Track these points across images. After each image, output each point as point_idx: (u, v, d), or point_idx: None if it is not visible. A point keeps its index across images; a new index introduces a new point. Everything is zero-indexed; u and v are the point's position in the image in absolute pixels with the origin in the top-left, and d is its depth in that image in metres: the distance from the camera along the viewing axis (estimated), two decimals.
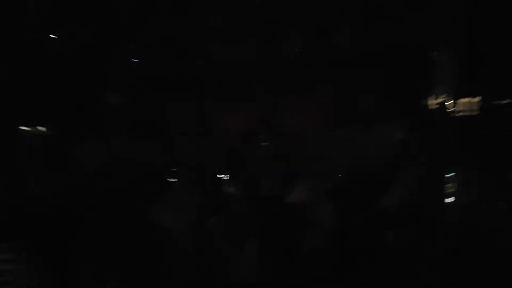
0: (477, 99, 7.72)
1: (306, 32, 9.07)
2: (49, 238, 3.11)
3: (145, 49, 9.66)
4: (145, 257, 2.24)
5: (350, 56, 9.08)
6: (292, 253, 2.93)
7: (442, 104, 8.19)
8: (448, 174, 4.05)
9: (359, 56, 9.01)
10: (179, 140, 9.23)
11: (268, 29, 9.18)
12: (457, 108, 7.90)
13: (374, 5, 8.21)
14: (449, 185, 3.65)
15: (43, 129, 8.09)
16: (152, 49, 9.61)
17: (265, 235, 2.77)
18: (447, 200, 3.25)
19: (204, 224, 3.04)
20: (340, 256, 2.56)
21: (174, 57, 9.75)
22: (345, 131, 8.33)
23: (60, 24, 8.74)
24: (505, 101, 7.65)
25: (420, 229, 2.63)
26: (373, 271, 2.36)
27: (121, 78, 9.33)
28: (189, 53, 9.74)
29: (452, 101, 8.07)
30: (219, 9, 8.91)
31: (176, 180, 5.17)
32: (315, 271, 2.75)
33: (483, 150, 6.85)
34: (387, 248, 2.42)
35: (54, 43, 8.72)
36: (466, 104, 8.01)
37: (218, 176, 6.29)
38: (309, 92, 9.23)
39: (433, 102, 8.58)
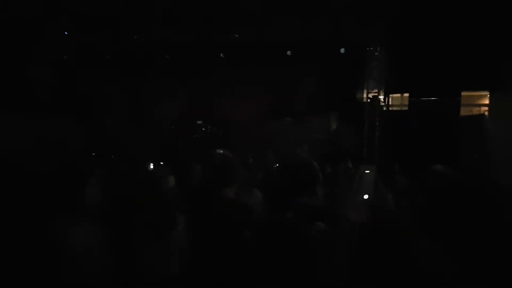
0: (406, 95, 8.05)
1: (245, 24, 9.00)
2: None
3: (78, 23, 9.06)
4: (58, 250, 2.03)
5: (286, 50, 9.17)
6: (222, 245, 2.82)
7: (373, 98, 8.46)
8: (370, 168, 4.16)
9: (295, 50, 9.10)
10: (111, 124, 8.80)
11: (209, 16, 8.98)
12: (388, 103, 8.21)
13: (312, 3, 8.29)
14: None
15: None
16: (86, 24, 9.03)
17: (194, 226, 2.65)
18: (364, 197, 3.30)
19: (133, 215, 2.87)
20: (270, 248, 2.50)
21: (110, 35, 9.26)
22: (279, 122, 8.37)
23: None
24: (432, 98, 8.04)
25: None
26: (302, 265, 2.32)
27: (48, 51, 8.62)
28: (126, 33, 9.30)
29: (383, 96, 8.36)
30: None
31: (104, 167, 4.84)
32: (244, 264, 2.65)
33: (409, 144, 7.14)
34: (313, 242, 2.40)
35: None
36: (397, 99, 8.34)
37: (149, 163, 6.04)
38: (246, 83, 9.21)
39: (364, 96, 8.85)
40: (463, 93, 8.14)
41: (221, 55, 9.63)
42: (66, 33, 9.24)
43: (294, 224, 2.50)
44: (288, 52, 9.15)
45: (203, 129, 9.82)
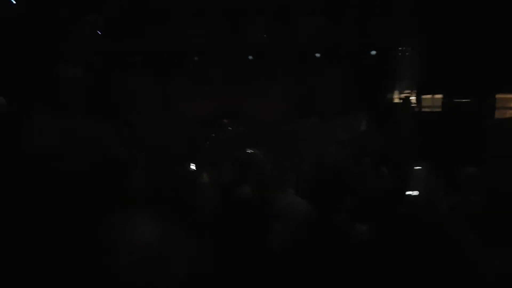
0: (439, 96, 7.88)
1: (273, 23, 8.99)
2: None
3: (108, 23, 9.25)
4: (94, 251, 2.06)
5: (314, 50, 9.13)
6: (252, 246, 2.83)
7: (405, 99, 8.32)
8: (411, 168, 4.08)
9: (325, 50, 9.06)
10: (140, 122, 8.94)
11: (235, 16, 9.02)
12: (420, 104, 8.06)
13: (341, 3, 8.24)
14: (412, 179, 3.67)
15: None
16: (116, 23, 9.21)
17: (224, 227, 2.66)
18: (410, 193, 3.25)
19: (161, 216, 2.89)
20: (303, 248, 2.49)
21: (138, 35, 9.42)
22: (309, 122, 8.32)
23: None
24: (465, 100, 7.87)
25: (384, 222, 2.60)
26: (339, 263, 2.31)
27: (80, 50, 8.82)
28: (154, 33, 9.44)
29: (415, 97, 8.22)
30: None
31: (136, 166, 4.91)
32: (278, 265, 2.66)
33: (442, 145, 7.01)
34: (354, 240, 2.39)
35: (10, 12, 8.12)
36: (429, 100, 8.18)
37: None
38: (275, 82, 9.21)
39: (396, 97, 8.71)
40: (497, 96, 7.94)
41: (249, 57, 9.68)
42: (99, 32, 9.42)
43: (332, 225, 2.49)
44: (317, 54, 9.12)
45: (230, 128, 9.84)
